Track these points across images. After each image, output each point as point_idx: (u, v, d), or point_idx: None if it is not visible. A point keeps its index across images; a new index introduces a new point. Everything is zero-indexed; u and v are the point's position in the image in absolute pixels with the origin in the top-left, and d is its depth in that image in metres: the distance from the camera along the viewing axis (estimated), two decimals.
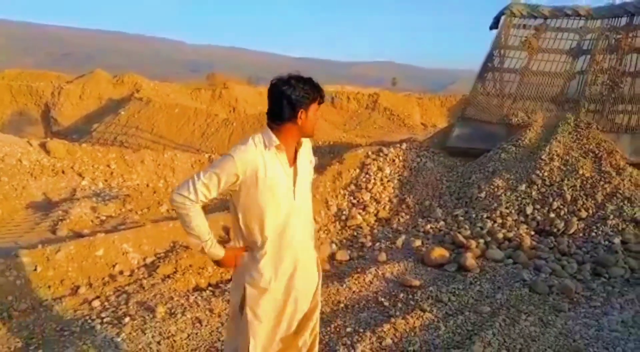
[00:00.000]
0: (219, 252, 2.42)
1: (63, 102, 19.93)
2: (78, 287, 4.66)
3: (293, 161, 2.44)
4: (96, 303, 4.41)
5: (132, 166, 9.27)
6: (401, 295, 4.80)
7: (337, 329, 4.12)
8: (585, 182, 6.89)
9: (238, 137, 15.86)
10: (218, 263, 2.50)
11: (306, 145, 2.52)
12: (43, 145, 8.87)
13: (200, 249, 2.40)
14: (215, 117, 17.13)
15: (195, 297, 4.62)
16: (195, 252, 2.48)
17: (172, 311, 4.31)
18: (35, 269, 4.66)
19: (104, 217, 6.54)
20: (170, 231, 5.79)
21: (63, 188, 8.01)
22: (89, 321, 4.11)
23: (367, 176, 8.01)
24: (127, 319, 4.10)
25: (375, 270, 5.36)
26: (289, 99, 2.28)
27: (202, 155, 11.22)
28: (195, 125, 17.15)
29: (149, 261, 5.31)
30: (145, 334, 3.90)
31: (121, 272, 5.01)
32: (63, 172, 8.40)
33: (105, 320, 4.11)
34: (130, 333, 3.90)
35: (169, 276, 5.01)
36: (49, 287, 4.61)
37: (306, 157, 2.52)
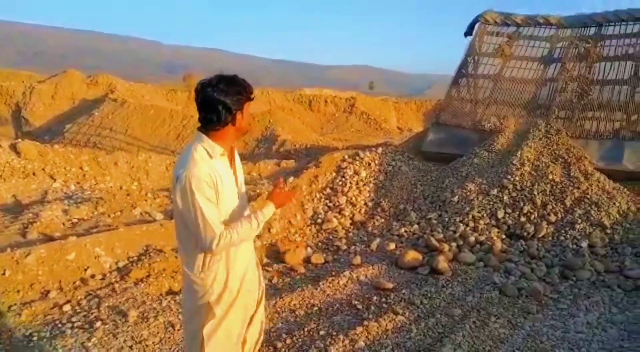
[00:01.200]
0: (269, 209, 2.48)
1: (35, 102, 19.54)
2: (48, 291, 4.58)
3: (231, 162, 2.46)
4: (67, 307, 4.34)
5: (106, 168, 9.14)
6: (375, 298, 4.85)
7: (311, 333, 4.14)
8: (554, 187, 7.06)
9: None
10: (281, 205, 2.58)
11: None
12: (13, 146, 8.68)
13: (263, 225, 2.43)
14: (191, 118, 17.00)
15: (168, 301, 4.59)
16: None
17: (145, 315, 4.28)
18: (4, 273, 4.56)
19: (75, 220, 6.42)
20: (143, 235, 5.74)
21: (34, 190, 7.85)
22: (59, 325, 4.05)
23: (343, 179, 8.07)
24: (98, 324, 4.05)
25: (350, 273, 5.41)
26: (225, 105, 2.26)
27: (177, 157, 11.14)
28: (170, 127, 17.01)
29: (121, 264, 5.24)
30: (117, 338, 3.87)
31: (93, 276, 4.94)
32: (34, 174, 8.24)
33: (76, 324, 4.05)
34: (101, 338, 3.86)
35: (141, 280, 4.96)
36: (18, 291, 4.52)
37: (237, 155, 2.55)
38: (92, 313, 4.26)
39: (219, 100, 2.25)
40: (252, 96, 2.39)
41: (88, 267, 5.02)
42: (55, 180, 8.31)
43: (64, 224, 6.27)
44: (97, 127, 17.50)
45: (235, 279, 2.45)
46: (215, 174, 2.28)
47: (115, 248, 5.38)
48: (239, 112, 2.32)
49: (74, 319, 4.14)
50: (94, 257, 5.15)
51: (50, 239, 5.57)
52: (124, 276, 5.02)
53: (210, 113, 2.28)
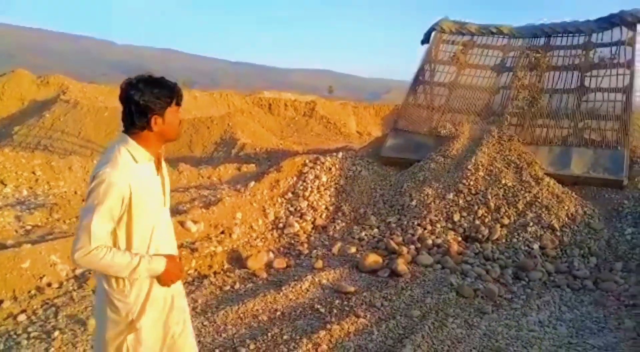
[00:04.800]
0: (159, 263, 2.20)
1: None
2: (2, 301, 4.44)
3: (158, 169, 2.30)
4: (22, 317, 4.22)
5: (59, 173, 8.88)
6: (337, 301, 4.93)
7: (274, 337, 4.17)
8: (507, 191, 7.35)
9: (170, 142, 15.54)
10: (165, 278, 2.25)
11: None
12: None
13: (140, 273, 2.16)
14: None
15: None
16: (143, 280, 2.30)
17: None
18: None
19: (29, 227, 6.22)
20: None
21: None
22: (14, 336, 3.94)
23: (305, 183, 8.13)
24: (56, 333, 3.96)
25: (312, 277, 5.46)
26: (138, 106, 2.10)
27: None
28: None
29: (78, 272, 5.12)
30: (76, 348, 3.79)
31: (49, 285, 4.81)
32: None
33: (32, 335, 3.94)
34: (60, 348, 3.78)
35: None
36: None
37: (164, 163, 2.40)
38: (49, 323, 4.15)
39: (133, 101, 2.10)
40: (178, 101, 2.21)
41: (44, 276, 4.89)
42: (5, 185, 8.02)
43: (17, 231, 6.07)
44: (48, 129, 16.93)
45: (158, 300, 2.29)
46: (136, 181, 2.12)
47: None
48: (156, 116, 2.14)
49: (30, 329, 4.03)
50: (49, 265, 5.02)
51: (3, 246, 5.38)
52: (81, 283, 4.92)
53: (125, 113, 2.15)
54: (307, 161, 8.70)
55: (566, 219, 6.83)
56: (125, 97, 2.12)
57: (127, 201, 2.10)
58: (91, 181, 2.11)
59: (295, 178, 8.30)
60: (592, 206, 7.15)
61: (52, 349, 3.74)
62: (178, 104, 2.22)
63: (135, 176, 2.12)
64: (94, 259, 2.05)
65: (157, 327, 2.30)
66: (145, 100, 2.09)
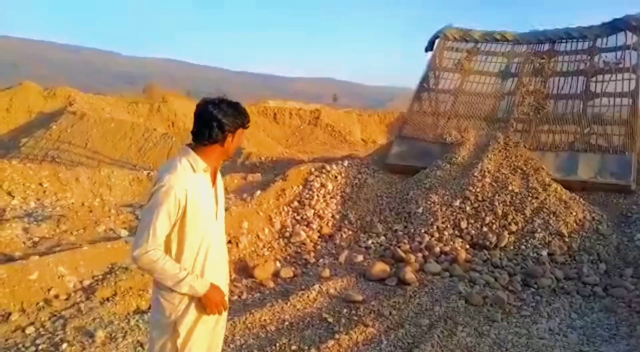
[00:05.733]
0: (202, 285, 2.34)
1: None
2: (10, 313, 4.42)
3: (213, 182, 2.49)
4: (30, 330, 4.20)
5: (67, 184, 8.92)
6: (344, 310, 4.90)
7: (282, 348, 4.15)
8: (514, 198, 7.32)
9: (177, 152, 15.58)
10: (205, 302, 2.38)
11: None
12: None
13: (182, 288, 2.30)
14: (154, 131, 16.75)
15: (137, 320, 4.51)
16: (190, 296, 2.37)
17: (113, 335, 4.19)
18: None
19: (37, 239, 6.22)
20: (108, 252, 5.62)
21: None
22: (23, 349, 3.92)
23: (311, 192, 8.12)
24: (64, 346, 3.95)
25: (319, 286, 5.44)
26: (220, 123, 2.32)
27: (141, 172, 10.95)
28: (132, 141, 16.70)
29: (86, 283, 5.11)
30: None
31: (57, 297, 4.80)
32: None
33: (40, 347, 3.93)
34: None
35: (108, 299, 4.85)
36: None
37: (220, 177, 2.58)
38: (57, 335, 4.14)
39: (216, 117, 2.31)
40: (247, 125, 2.45)
41: (52, 288, 4.87)
42: (13, 197, 8.05)
43: (24, 243, 6.07)
44: (55, 141, 16.99)
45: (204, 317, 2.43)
46: (193, 188, 2.31)
47: (80, 267, 5.25)
48: (230, 134, 2.37)
49: (38, 342, 4.02)
50: (57, 277, 5.01)
51: (11, 259, 5.37)
52: (89, 295, 4.90)
53: (203, 127, 2.34)
54: (312, 170, 8.70)
55: (574, 225, 6.78)
56: (209, 115, 2.32)
57: (183, 206, 2.28)
58: (153, 185, 2.32)
59: (301, 187, 8.29)
60: (601, 211, 7.11)
61: None
62: (246, 127, 2.45)
63: (192, 184, 2.31)
64: (150, 260, 2.24)
65: (203, 339, 2.43)
66: (226, 119, 2.32)
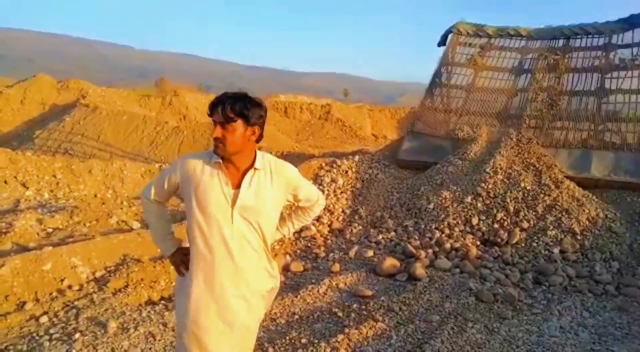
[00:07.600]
0: (165, 248, 2.56)
1: (2, 107, 19.08)
2: (24, 303, 4.49)
3: (238, 184, 2.30)
4: (44, 319, 4.26)
5: (80, 176, 9.00)
6: (354, 305, 4.91)
7: (292, 341, 4.17)
8: (526, 195, 7.27)
9: (189, 146, 15.68)
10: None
11: (283, 174, 2.41)
12: None
13: (154, 241, 2.62)
14: (165, 125, 16.86)
15: (148, 312, 4.55)
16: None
17: (125, 325, 4.23)
18: None
19: (50, 230, 6.31)
20: (120, 244, 5.68)
21: (5, 199, 7.68)
22: (37, 338, 3.98)
23: (321, 187, 8.13)
24: (77, 335, 3.99)
25: (329, 281, 5.45)
26: (262, 120, 2.35)
27: (153, 165, 11.02)
28: (144, 133, 16.82)
29: (98, 274, 5.18)
30: (96, 350, 3.82)
31: (70, 287, 4.86)
32: (5, 182, 8.06)
33: (54, 337, 3.98)
34: (80, 349, 3.80)
35: (120, 290, 4.91)
36: None
37: (271, 185, 2.35)
38: (70, 325, 4.19)
39: (260, 115, 2.31)
40: (209, 114, 2.33)
41: (65, 278, 4.94)
42: (27, 188, 8.14)
43: (38, 233, 6.16)
44: (68, 133, 17.18)
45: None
46: (198, 171, 2.29)
47: (92, 258, 5.32)
48: (257, 126, 2.30)
49: (51, 331, 4.07)
50: (70, 268, 5.07)
51: (25, 249, 5.46)
52: (101, 286, 4.96)
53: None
54: (323, 164, 8.70)
55: (587, 222, 6.72)
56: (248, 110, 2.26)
57: (175, 184, 2.42)
58: None
59: (311, 181, 8.30)
60: (614, 209, 7.04)
61: (74, 350, 3.77)
62: (209, 115, 2.41)
63: (191, 170, 2.32)
64: (142, 203, 2.60)
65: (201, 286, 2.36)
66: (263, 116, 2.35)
